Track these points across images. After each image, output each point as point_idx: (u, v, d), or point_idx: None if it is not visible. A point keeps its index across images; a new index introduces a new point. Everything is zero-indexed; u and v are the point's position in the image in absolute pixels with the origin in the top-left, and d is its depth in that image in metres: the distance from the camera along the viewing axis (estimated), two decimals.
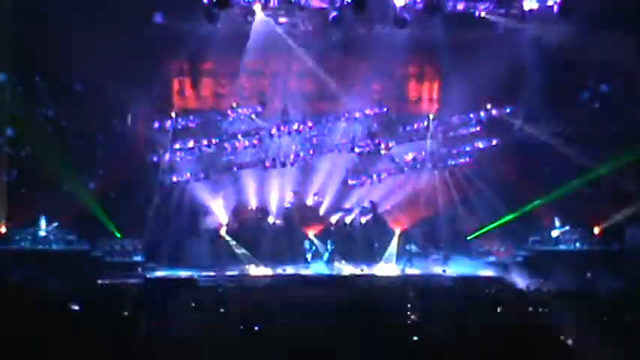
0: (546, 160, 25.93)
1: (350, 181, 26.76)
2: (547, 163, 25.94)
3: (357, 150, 26.75)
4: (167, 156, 25.72)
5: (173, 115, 25.74)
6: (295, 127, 26.22)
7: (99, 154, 24.79)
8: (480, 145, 26.78)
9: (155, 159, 25.71)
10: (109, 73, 22.07)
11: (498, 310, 16.79)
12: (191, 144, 25.77)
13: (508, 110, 26.46)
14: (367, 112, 26.38)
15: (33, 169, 24.10)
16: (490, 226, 26.05)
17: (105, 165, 24.59)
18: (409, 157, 27.03)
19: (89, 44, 21.55)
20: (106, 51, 21.82)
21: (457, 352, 12.06)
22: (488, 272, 24.77)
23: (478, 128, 26.82)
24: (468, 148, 26.93)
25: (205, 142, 25.82)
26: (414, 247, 25.87)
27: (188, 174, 25.85)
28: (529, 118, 26.01)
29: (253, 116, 26.13)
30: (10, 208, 24.07)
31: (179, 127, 25.77)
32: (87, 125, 24.38)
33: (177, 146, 25.71)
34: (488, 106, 26.59)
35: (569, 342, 13.17)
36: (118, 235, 24.82)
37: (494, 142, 26.64)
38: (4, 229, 24.11)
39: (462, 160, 27.01)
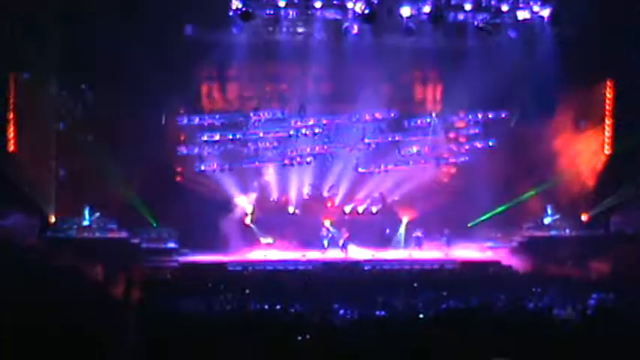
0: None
1: (360, 169, 28.54)
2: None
3: (366, 140, 28.45)
4: (196, 150, 27.61)
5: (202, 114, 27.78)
6: (311, 122, 28.02)
7: (136, 149, 25.60)
8: (479, 145, 28.61)
9: (185, 151, 27.61)
10: (147, 80, 23.90)
11: None
12: (217, 137, 27.60)
13: (503, 115, 28.35)
14: (377, 115, 28.27)
15: (79, 171, 26.04)
16: (488, 215, 28.03)
17: (141, 159, 25.51)
18: (414, 150, 28.79)
19: (130, 55, 23.55)
20: (144, 62, 23.55)
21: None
22: (488, 255, 26.90)
23: (477, 130, 28.72)
24: (467, 147, 28.82)
25: (230, 136, 27.68)
26: (419, 234, 27.72)
27: (215, 164, 27.66)
28: (522, 121, 27.92)
29: (273, 116, 28.02)
30: (59, 200, 25.94)
31: (206, 124, 27.65)
32: (127, 126, 25.78)
33: (204, 138, 27.49)
34: (486, 109, 28.42)
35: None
36: (154, 224, 26.83)
37: (490, 143, 28.41)
38: (53, 219, 26.06)
39: (462, 159, 28.93)
